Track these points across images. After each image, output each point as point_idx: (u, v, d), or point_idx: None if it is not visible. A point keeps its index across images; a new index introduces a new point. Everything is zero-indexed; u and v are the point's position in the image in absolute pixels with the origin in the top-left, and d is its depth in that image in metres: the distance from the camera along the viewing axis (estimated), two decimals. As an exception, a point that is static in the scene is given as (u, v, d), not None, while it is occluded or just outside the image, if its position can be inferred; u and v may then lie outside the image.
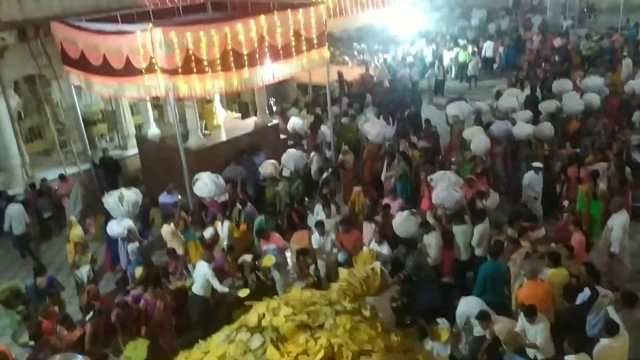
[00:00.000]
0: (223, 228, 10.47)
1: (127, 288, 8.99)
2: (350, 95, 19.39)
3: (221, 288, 9.04)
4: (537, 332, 6.74)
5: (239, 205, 11.44)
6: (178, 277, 9.49)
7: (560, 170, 11.94)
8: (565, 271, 7.96)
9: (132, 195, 10.69)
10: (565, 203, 10.40)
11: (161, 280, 9.24)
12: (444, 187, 9.98)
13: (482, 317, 7.27)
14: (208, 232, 10.35)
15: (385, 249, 9.21)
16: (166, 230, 10.49)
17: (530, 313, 6.77)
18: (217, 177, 11.60)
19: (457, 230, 9.30)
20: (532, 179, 11.26)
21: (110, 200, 10.55)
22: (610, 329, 6.41)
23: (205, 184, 11.42)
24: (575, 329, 7.03)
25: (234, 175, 12.45)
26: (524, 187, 11.45)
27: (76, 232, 10.75)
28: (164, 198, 12.12)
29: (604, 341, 6.40)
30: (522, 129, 13.20)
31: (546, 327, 6.74)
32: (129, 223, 10.46)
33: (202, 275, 8.94)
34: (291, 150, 12.93)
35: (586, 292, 7.42)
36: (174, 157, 12.57)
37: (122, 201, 10.44)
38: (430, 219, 9.59)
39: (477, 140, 12.52)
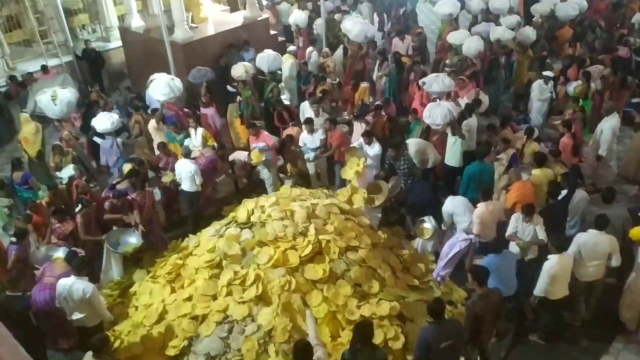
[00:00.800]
0: (196, 135, 10.06)
1: (112, 182, 8.94)
2: (344, -11, 18.51)
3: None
4: (538, 231, 6.82)
5: (239, 98, 11.23)
6: (169, 171, 9.41)
7: (561, 72, 11.73)
8: (550, 172, 8.09)
9: (66, 94, 10.18)
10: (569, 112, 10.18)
11: (148, 178, 9.22)
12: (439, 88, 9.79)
13: (485, 193, 7.45)
14: (188, 143, 10.03)
15: (376, 148, 9.15)
16: (151, 125, 10.31)
17: (530, 212, 6.85)
18: (173, 78, 10.80)
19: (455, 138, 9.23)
20: (541, 88, 10.95)
21: (43, 98, 10.11)
22: (600, 222, 6.58)
23: (159, 86, 10.50)
24: (555, 225, 7.18)
25: (199, 77, 11.74)
26: (531, 96, 11.16)
27: (27, 129, 10.22)
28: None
29: (592, 232, 6.59)
30: (502, 34, 12.73)
31: (542, 224, 6.85)
32: (116, 117, 10.24)
33: (187, 172, 8.89)
34: (267, 51, 12.19)
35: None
36: (159, 51, 12.13)
37: (55, 100, 10.00)
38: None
39: (469, 41, 12.15)
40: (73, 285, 6.34)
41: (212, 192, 9.71)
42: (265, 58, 11.93)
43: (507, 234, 6.90)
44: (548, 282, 6.23)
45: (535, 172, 8.03)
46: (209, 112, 11.22)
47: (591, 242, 6.51)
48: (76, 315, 6.46)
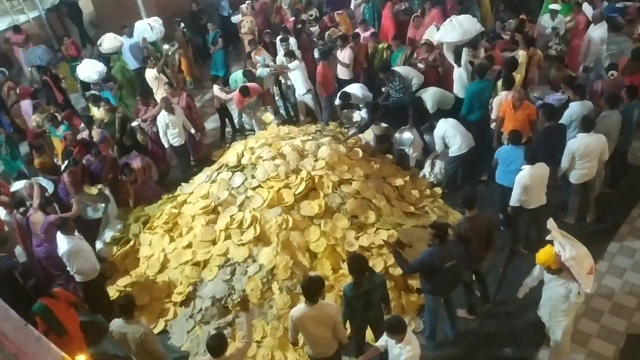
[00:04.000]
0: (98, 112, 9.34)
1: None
2: None
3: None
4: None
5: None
6: (149, 124, 9.20)
7: None
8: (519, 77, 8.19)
9: None
10: None
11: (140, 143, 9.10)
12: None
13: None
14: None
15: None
16: (150, 74, 10.03)
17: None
18: None
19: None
20: (546, 23, 10.17)
21: None
22: (586, 124, 6.62)
23: None
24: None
25: (34, 57, 11.32)
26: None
27: None
28: (127, 42, 11.43)
29: (580, 136, 6.64)
30: None
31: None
32: (101, 67, 10.03)
33: (162, 124, 8.69)
34: (148, 19, 11.34)
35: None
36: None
37: None
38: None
39: None
40: (58, 241, 6.39)
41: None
42: (141, 26, 11.27)
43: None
44: (521, 192, 6.28)
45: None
46: (24, 105, 10.11)
47: (584, 144, 6.56)
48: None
